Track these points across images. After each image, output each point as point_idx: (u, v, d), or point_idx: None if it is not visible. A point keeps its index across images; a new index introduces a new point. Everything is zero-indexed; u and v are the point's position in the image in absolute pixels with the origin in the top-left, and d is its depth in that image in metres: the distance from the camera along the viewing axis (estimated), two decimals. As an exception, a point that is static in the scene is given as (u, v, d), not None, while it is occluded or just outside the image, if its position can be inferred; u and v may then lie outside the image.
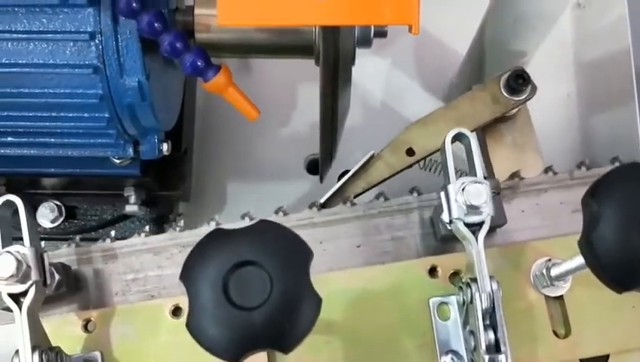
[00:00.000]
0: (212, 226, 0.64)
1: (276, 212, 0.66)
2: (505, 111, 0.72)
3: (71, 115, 0.66)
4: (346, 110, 0.73)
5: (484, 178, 0.62)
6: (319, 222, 0.65)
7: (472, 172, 0.58)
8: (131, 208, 0.81)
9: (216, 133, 1.01)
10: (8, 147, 0.71)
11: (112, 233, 0.66)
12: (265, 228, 0.45)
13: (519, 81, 0.71)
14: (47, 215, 0.85)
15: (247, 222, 0.65)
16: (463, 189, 0.55)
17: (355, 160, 0.97)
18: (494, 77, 0.73)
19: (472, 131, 0.71)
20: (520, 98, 0.72)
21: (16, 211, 0.56)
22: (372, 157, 0.73)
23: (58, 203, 0.85)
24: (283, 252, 0.44)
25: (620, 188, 0.45)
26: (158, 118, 0.68)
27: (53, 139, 0.70)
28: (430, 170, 0.78)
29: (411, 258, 0.64)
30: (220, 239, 0.44)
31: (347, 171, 0.73)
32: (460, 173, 0.66)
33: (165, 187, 0.85)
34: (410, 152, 0.71)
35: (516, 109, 0.73)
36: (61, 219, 0.85)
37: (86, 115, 0.66)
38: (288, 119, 1.02)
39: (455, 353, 0.59)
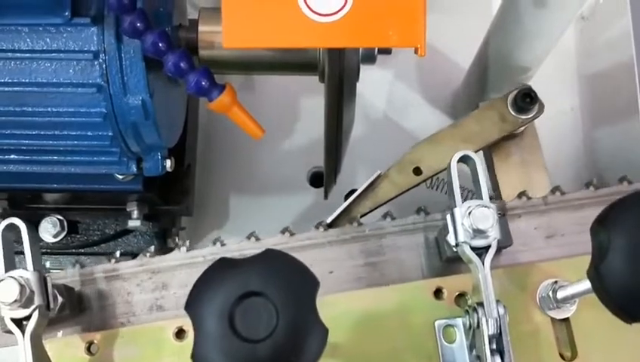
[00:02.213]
0: (217, 247, 0.64)
1: (282, 232, 0.66)
2: (512, 129, 0.71)
3: (74, 133, 0.66)
4: (350, 126, 0.72)
5: (490, 200, 0.62)
6: (325, 243, 0.65)
7: (478, 195, 0.57)
8: (134, 223, 0.81)
9: (219, 147, 1.01)
10: (11, 164, 0.71)
11: (117, 253, 0.65)
12: (271, 258, 0.45)
13: (526, 100, 0.70)
14: (49, 229, 0.84)
15: (252, 243, 0.64)
16: (469, 213, 0.55)
17: (360, 174, 0.97)
18: (501, 95, 0.72)
19: (479, 150, 0.71)
20: (528, 116, 0.71)
21: (19, 233, 0.56)
22: (379, 176, 0.72)
23: (60, 217, 0.85)
24: (289, 283, 0.43)
25: (630, 217, 0.45)
26: (162, 135, 0.68)
27: (56, 157, 0.70)
28: (437, 188, 0.78)
29: (416, 279, 0.63)
30: (225, 269, 0.44)
31: (354, 190, 0.73)
32: (466, 192, 0.66)
33: (168, 202, 0.85)
34: (417, 171, 0.71)
35: (524, 127, 0.73)
36: (63, 234, 0.85)
37: (89, 133, 0.66)
38: (291, 133, 1.02)
39: (461, 376, 0.58)
